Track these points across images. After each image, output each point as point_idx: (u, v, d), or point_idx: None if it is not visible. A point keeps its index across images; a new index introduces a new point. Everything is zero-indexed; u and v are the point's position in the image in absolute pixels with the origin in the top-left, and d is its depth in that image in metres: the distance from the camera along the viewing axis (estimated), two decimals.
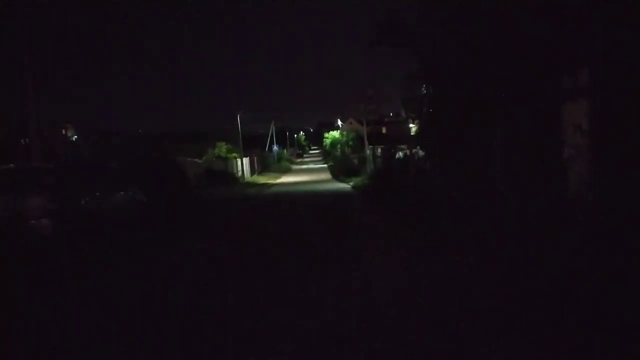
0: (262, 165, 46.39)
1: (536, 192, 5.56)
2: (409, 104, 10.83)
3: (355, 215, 13.39)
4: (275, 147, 63.11)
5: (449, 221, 8.00)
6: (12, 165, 9.85)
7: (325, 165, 50.74)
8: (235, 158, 35.91)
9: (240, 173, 34.83)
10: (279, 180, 35.66)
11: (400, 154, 16.88)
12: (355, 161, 34.46)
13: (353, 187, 23.37)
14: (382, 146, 21.77)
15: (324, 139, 69.12)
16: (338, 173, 33.38)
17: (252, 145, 47.71)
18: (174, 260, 8.40)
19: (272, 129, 65.03)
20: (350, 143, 55.41)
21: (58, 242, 7.50)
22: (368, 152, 26.84)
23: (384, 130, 76.97)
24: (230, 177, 30.63)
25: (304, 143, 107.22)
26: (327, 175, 36.06)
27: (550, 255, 4.89)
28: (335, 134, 65.58)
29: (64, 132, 53.78)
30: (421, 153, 13.47)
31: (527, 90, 5.61)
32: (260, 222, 13.40)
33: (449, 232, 7.65)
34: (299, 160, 77.51)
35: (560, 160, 5.25)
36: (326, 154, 63.65)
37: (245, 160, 37.92)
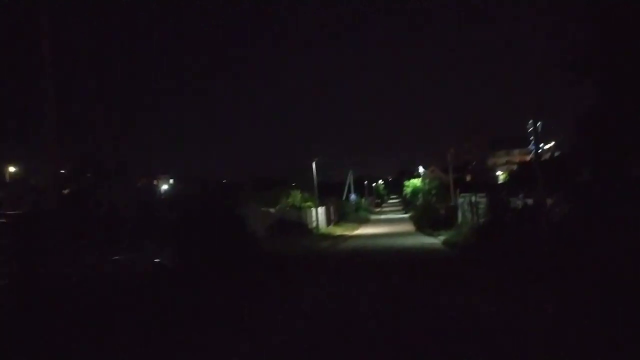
0: (339, 215, 43.71)
1: None
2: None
3: (466, 298, 8.42)
4: (352, 196, 60.32)
5: None
6: None
7: (407, 215, 47.14)
8: (310, 207, 33.54)
9: (315, 223, 32.28)
10: (356, 232, 32.69)
11: (519, 202, 13.21)
12: (442, 211, 30.73)
13: (444, 243, 19.78)
14: (482, 193, 18.10)
15: (404, 187, 65.62)
16: (422, 225, 29.82)
17: (328, 193, 45.23)
18: None
19: (350, 177, 62.59)
20: (434, 191, 51.55)
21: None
22: (461, 200, 23.15)
23: (468, 178, 72.13)
24: (303, 228, 28.25)
25: (382, 192, 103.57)
26: (409, 227, 32.59)
27: None
28: (416, 181, 61.98)
29: (155, 182, 54.52)
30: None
31: None
32: (331, 301, 9.28)
33: None
34: (378, 209, 74.05)
35: None
36: (407, 203, 59.98)
37: (321, 210, 35.43)
